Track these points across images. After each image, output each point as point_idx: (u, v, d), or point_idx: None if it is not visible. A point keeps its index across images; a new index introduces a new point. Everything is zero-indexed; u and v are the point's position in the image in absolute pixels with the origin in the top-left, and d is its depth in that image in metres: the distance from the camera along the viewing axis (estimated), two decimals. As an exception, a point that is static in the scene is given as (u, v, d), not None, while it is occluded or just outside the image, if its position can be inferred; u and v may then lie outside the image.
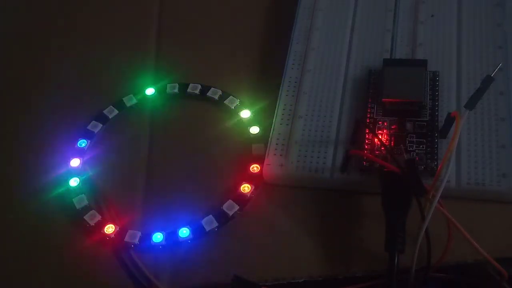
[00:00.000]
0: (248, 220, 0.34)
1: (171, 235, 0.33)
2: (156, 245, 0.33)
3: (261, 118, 0.38)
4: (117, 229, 0.34)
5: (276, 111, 0.37)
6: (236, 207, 0.34)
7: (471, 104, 0.30)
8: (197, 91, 0.40)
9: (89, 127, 0.39)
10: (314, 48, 0.39)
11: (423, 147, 0.33)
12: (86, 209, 0.35)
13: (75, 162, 0.37)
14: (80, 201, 0.35)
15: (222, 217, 0.34)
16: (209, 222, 0.33)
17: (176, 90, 0.40)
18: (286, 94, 0.37)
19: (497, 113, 0.34)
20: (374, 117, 0.35)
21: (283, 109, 0.37)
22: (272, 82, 0.39)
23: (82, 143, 0.38)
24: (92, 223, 0.34)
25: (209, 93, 0.40)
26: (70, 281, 0.33)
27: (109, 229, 0.34)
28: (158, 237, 0.33)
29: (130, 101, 0.40)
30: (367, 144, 0.34)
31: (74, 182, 0.36)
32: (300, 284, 0.31)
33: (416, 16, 0.40)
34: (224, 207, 0.34)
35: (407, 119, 0.34)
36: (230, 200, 0.34)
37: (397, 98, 0.34)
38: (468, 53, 0.37)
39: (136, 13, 0.46)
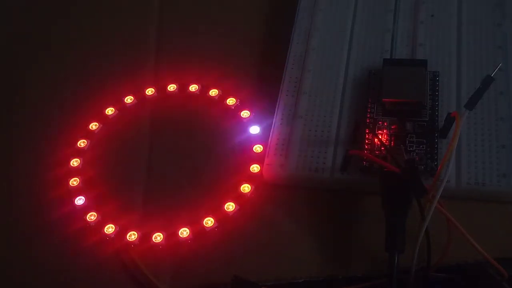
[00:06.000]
0: (248, 220, 0.34)
1: (171, 235, 0.33)
2: (156, 245, 0.33)
3: (261, 118, 0.38)
4: (117, 229, 0.34)
5: (276, 111, 0.37)
6: (236, 207, 0.34)
7: (471, 104, 0.30)
8: (197, 91, 0.40)
9: (89, 127, 0.39)
10: (314, 48, 0.39)
11: (423, 147, 0.33)
12: (86, 209, 0.35)
13: (75, 162, 0.37)
14: (80, 201, 0.35)
15: (222, 217, 0.34)
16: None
17: (176, 90, 0.40)
18: (286, 94, 0.37)
19: (497, 113, 0.34)
20: (374, 117, 0.35)
21: (283, 109, 0.37)
22: (272, 82, 0.39)
23: (82, 143, 0.38)
24: (92, 223, 0.34)
25: (209, 93, 0.40)
26: (70, 281, 0.33)
27: (109, 229, 0.34)
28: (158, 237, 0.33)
29: (130, 101, 0.40)
30: (367, 144, 0.34)
31: (74, 182, 0.36)
32: (300, 284, 0.31)
33: (416, 16, 0.40)
34: (224, 207, 0.34)
35: (407, 119, 0.34)
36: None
37: (397, 98, 0.34)
38: (468, 53, 0.37)
39: (136, 13, 0.46)
